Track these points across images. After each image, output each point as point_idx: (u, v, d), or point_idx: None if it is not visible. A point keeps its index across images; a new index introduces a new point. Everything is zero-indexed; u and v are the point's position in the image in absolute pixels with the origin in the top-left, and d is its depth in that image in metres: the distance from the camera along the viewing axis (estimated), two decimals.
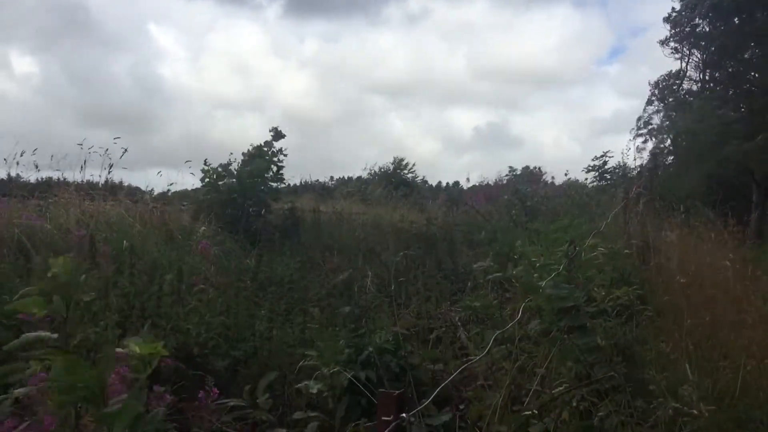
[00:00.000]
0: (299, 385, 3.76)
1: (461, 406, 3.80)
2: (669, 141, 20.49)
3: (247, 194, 9.86)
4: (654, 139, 21.18)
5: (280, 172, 10.36)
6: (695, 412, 2.69)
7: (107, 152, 8.35)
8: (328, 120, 78.12)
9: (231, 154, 10.27)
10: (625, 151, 35.60)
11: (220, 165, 10.00)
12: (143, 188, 10.42)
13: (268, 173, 10.18)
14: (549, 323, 3.43)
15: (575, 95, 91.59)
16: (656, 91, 22.03)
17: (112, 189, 9.03)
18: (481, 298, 5.36)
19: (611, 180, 15.07)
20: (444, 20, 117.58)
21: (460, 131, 78.90)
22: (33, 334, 1.72)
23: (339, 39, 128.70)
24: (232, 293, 5.08)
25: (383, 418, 2.29)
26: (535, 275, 3.74)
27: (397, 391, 2.36)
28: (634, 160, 19.64)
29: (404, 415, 2.28)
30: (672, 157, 20.32)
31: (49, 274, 1.62)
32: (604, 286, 4.30)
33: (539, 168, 20.80)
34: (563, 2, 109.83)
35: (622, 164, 15.61)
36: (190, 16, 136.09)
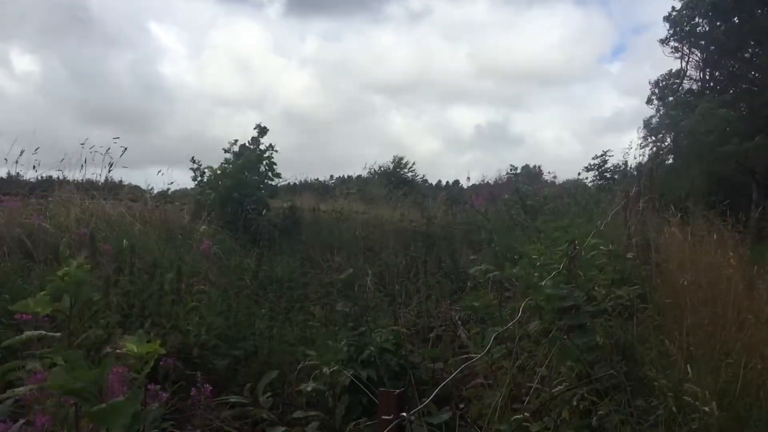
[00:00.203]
0: (300, 387, 3.76)
1: (461, 405, 3.79)
2: (669, 140, 20.47)
3: (242, 190, 9.88)
4: (654, 138, 21.16)
5: (274, 166, 10.36)
6: (705, 409, 2.68)
7: (108, 151, 8.37)
8: (329, 118, 78.02)
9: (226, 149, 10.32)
10: (628, 150, 35.47)
11: (208, 167, 10.08)
12: (143, 187, 10.45)
13: (260, 167, 10.20)
14: (549, 322, 3.44)
15: (576, 94, 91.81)
16: (656, 91, 22.02)
17: (113, 188, 9.04)
18: (481, 297, 5.36)
19: (611, 179, 15.08)
20: (445, 18, 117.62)
21: (461, 130, 79.08)
22: (36, 332, 1.72)
23: (340, 37, 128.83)
24: (233, 292, 5.08)
25: (384, 416, 2.29)
26: (536, 274, 3.74)
27: (397, 390, 2.36)
28: (639, 157, 19.45)
29: (405, 414, 2.28)
30: (672, 156, 20.31)
31: (60, 273, 1.61)
32: (605, 286, 4.30)
33: (540, 167, 20.81)
34: (565, 0, 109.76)
35: (623, 163, 15.63)
36: (191, 14, 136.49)
